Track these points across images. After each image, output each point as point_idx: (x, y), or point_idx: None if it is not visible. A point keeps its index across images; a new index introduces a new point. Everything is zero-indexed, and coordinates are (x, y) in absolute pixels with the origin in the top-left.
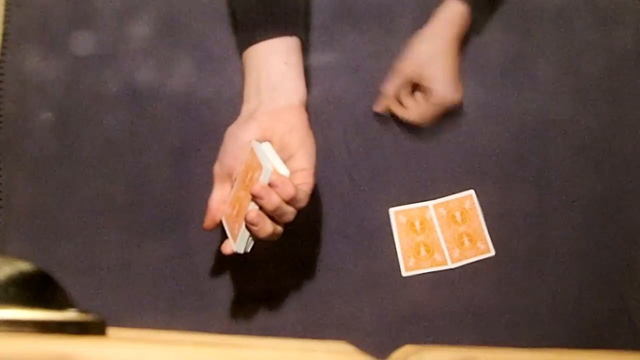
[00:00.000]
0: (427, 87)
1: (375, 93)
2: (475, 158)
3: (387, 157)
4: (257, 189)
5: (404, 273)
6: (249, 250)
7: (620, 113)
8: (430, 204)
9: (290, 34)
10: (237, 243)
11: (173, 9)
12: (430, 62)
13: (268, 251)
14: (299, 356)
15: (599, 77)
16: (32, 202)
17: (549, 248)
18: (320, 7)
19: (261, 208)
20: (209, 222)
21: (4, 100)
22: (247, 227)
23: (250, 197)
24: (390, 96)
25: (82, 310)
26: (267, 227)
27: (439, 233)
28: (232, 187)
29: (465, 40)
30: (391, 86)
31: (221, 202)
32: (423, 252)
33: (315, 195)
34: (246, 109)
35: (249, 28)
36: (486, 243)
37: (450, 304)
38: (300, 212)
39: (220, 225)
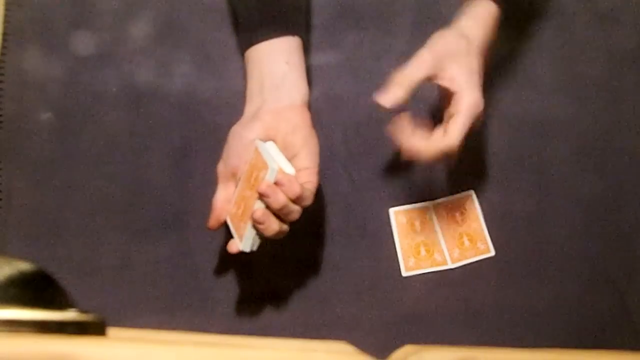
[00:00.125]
0: (449, 90)
1: (375, 93)
2: (475, 158)
3: (387, 157)
4: (264, 187)
5: (404, 273)
6: (255, 248)
7: (620, 113)
8: (430, 204)
9: (292, 33)
10: (244, 242)
11: (173, 9)
12: (453, 59)
13: (268, 251)
14: (299, 356)
15: (599, 77)
16: (32, 202)
17: (549, 248)
18: (320, 7)
19: (267, 207)
20: (213, 221)
21: (4, 100)
22: (253, 225)
23: (256, 196)
24: (403, 94)
25: (82, 310)
26: (274, 226)
27: (439, 233)
28: (236, 186)
29: None
30: (408, 74)
31: (226, 202)
32: (423, 252)
33: (319, 194)
34: (249, 108)
35: (251, 28)
36: (486, 243)
37: (450, 304)
38: (304, 211)
39: (224, 224)
